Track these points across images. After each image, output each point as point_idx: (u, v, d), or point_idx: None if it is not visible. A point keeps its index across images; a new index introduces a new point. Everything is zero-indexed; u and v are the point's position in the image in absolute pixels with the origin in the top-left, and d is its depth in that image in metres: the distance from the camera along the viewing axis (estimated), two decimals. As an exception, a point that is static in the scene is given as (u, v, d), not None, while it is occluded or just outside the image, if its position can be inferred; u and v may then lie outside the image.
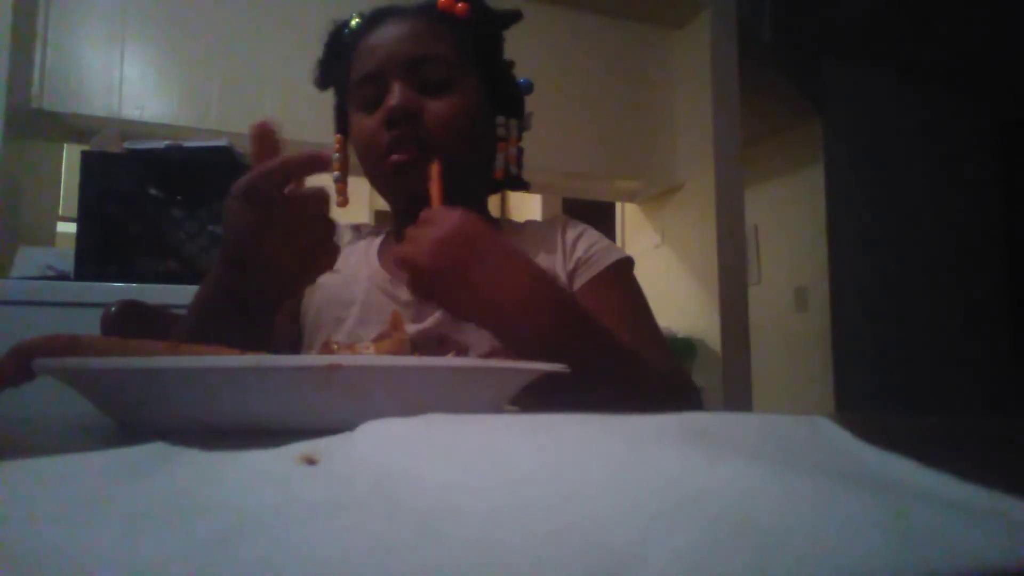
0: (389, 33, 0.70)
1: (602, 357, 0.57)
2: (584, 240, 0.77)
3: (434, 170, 0.63)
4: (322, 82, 0.78)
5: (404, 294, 0.72)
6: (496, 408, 0.40)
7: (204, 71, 1.89)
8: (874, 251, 3.10)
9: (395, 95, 0.67)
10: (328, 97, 0.81)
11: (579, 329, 0.57)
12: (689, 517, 0.12)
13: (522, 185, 0.79)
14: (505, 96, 0.77)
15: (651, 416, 0.27)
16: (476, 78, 0.73)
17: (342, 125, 0.77)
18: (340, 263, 0.78)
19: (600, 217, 2.89)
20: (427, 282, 0.54)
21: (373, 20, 0.73)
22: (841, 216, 3.03)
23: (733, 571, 0.10)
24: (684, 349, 2.29)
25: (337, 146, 0.77)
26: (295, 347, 0.75)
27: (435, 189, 0.63)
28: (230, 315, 0.54)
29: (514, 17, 0.78)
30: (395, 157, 0.67)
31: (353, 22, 0.75)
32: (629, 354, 0.60)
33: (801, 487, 0.14)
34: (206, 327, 0.55)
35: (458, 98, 0.70)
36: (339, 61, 0.75)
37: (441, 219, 0.55)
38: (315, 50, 0.79)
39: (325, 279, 0.75)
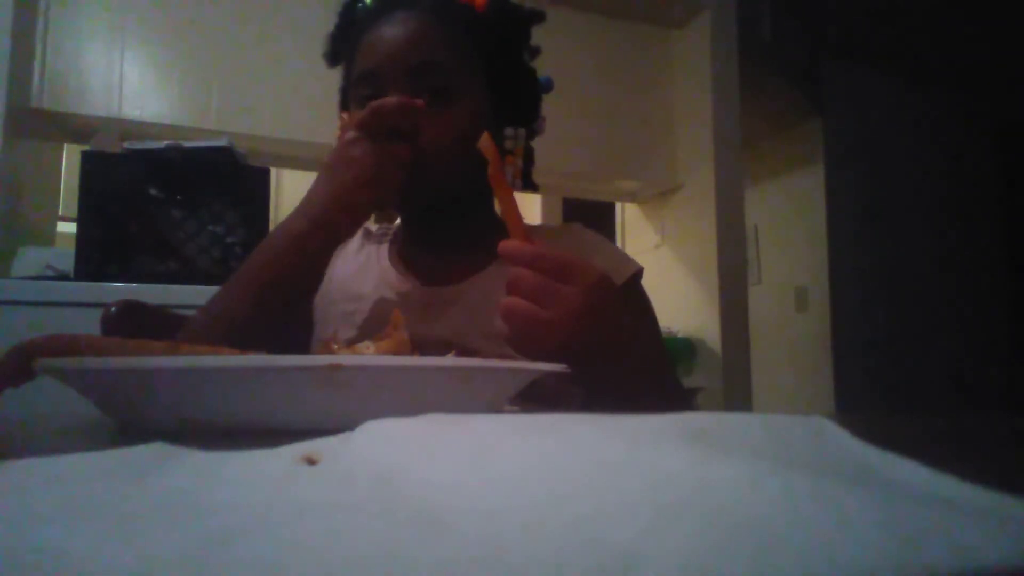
0: (394, 31, 0.67)
1: (656, 382, 0.62)
2: (602, 253, 0.76)
3: (500, 186, 0.53)
4: (332, 59, 0.76)
5: (413, 293, 0.71)
6: (496, 408, 0.40)
7: (204, 71, 1.89)
8: (874, 251, 3.09)
9: None
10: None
11: (657, 365, 0.64)
12: (689, 516, 0.12)
13: (531, 187, 0.76)
14: (516, 104, 0.73)
15: (651, 416, 0.27)
16: (483, 85, 0.70)
17: (346, 105, 0.75)
18: (352, 261, 0.78)
19: (600, 217, 2.89)
20: (559, 352, 0.47)
21: (384, 7, 0.69)
22: (841, 216, 3.03)
23: (733, 571, 0.10)
24: (684, 349, 2.29)
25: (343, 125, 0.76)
26: (306, 343, 0.75)
27: (512, 212, 0.53)
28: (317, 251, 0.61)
29: (536, 17, 0.74)
30: None
31: None
32: (669, 373, 0.67)
33: (801, 487, 0.14)
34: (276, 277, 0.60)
35: (458, 112, 0.66)
36: (347, 41, 0.73)
37: (586, 279, 0.48)
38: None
39: (337, 276, 0.75)
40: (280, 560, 0.11)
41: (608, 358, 0.52)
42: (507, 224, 0.54)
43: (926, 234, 3.25)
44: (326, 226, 0.60)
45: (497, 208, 0.55)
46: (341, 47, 0.75)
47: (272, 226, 1.22)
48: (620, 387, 0.55)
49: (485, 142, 0.54)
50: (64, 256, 1.50)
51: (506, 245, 0.49)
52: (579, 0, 2.35)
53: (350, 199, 0.60)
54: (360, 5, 0.73)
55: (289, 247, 0.60)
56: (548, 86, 0.76)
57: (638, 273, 0.74)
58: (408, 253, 0.77)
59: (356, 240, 0.80)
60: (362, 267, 0.76)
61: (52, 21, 1.76)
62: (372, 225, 0.84)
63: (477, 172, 0.57)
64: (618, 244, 2.83)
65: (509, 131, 0.72)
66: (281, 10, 1.98)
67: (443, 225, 0.75)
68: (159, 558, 0.12)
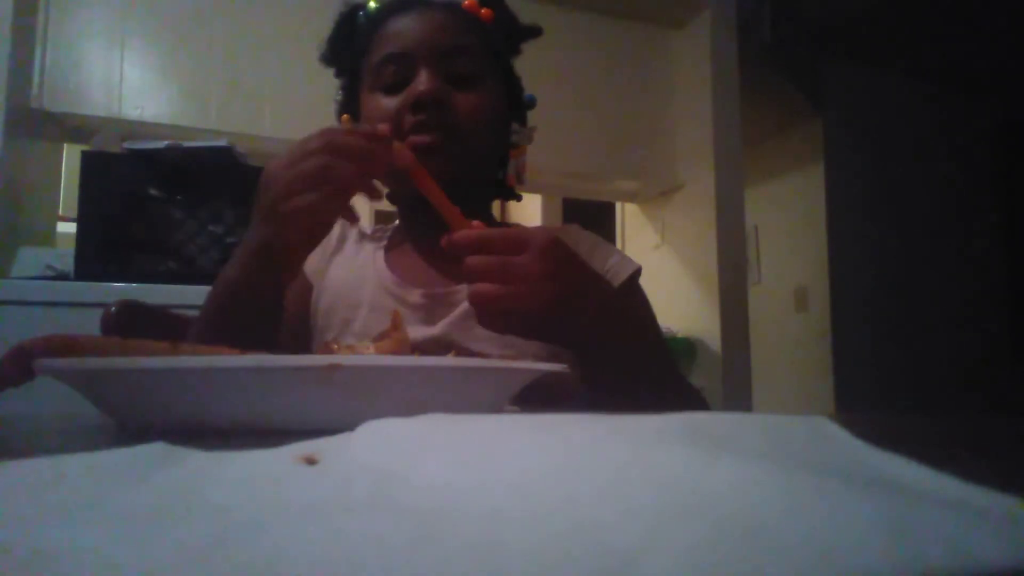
0: (419, 20, 0.70)
1: (663, 370, 0.62)
2: (600, 252, 0.78)
3: (425, 180, 0.55)
4: (329, 59, 0.78)
5: (411, 296, 0.71)
6: (496, 408, 0.40)
7: (204, 71, 1.89)
8: (874, 251, 3.09)
9: (424, 80, 0.66)
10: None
11: (656, 344, 0.64)
12: (691, 518, 0.12)
13: (515, 195, 0.80)
14: (519, 104, 0.78)
15: (652, 416, 0.27)
16: (497, 81, 0.74)
17: (350, 106, 0.76)
18: (348, 265, 0.78)
19: (600, 217, 2.89)
20: (535, 323, 0.49)
21: (397, 6, 0.72)
22: (841, 216, 3.03)
23: (734, 572, 0.10)
24: (684, 349, 2.29)
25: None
26: (305, 349, 0.75)
27: (436, 193, 0.55)
28: (266, 275, 0.56)
29: (534, 32, 0.79)
30: (416, 138, 0.65)
31: (371, 4, 0.74)
32: (672, 365, 0.66)
33: (802, 487, 0.14)
34: (237, 298, 0.57)
35: (484, 95, 0.70)
36: (352, 41, 0.75)
37: (537, 245, 0.49)
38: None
39: (333, 282, 0.75)
40: (279, 560, 0.11)
41: (597, 326, 0.52)
42: (444, 217, 0.54)
43: (926, 234, 3.25)
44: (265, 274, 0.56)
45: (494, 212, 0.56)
46: (342, 47, 0.76)
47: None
48: (629, 381, 0.55)
49: (398, 147, 0.55)
50: (64, 256, 1.50)
51: (449, 238, 0.50)
52: (579, 0, 2.35)
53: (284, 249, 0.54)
54: (363, 12, 0.75)
55: (237, 288, 0.57)
56: (531, 103, 0.81)
57: (637, 272, 0.75)
58: (408, 253, 0.78)
59: (352, 242, 0.80)
60: (358, 271, 0.76)
61: (52, 21, 1.76)
62: (367, 226, 0.85)
63: (490, 166, 0.58)
64: (618, 244, 2.83)
65: (515, 126, 0.76)
66: (281, 10, 1.98)
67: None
68: (159, 558, 0.12)
